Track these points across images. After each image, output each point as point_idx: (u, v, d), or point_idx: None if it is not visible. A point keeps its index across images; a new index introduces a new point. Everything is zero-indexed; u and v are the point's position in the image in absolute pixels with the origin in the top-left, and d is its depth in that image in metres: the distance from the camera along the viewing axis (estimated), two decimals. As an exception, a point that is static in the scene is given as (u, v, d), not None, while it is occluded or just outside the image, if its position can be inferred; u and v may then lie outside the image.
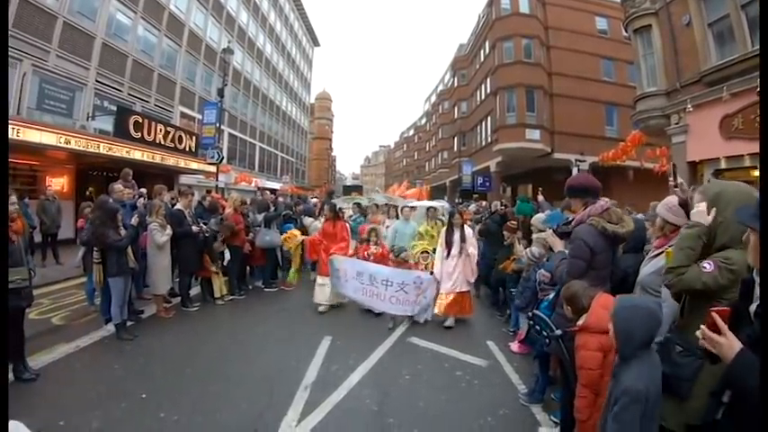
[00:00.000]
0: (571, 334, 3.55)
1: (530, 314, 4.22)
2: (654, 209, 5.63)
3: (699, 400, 2.58)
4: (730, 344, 2.03)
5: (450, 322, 8.29)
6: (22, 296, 5.30)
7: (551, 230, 4.82)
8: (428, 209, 11.84)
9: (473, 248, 8.40)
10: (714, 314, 2.10)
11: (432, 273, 8.40)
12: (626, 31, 18.82)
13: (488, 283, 9.88)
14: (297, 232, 10.63)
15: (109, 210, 7.06)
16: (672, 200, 3.94)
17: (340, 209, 11.59)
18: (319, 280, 9.35)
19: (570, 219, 4.42)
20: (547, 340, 3.88)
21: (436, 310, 8.31)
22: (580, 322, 3.36)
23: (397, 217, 12.06)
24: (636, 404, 2.46)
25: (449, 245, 8.36)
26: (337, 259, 8.85)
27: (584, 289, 3.51)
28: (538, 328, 3.96)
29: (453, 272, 8.30)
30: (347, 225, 10.39)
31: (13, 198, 5.33)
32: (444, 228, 8.92)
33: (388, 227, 11.53)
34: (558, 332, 3.74)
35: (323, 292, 9.20)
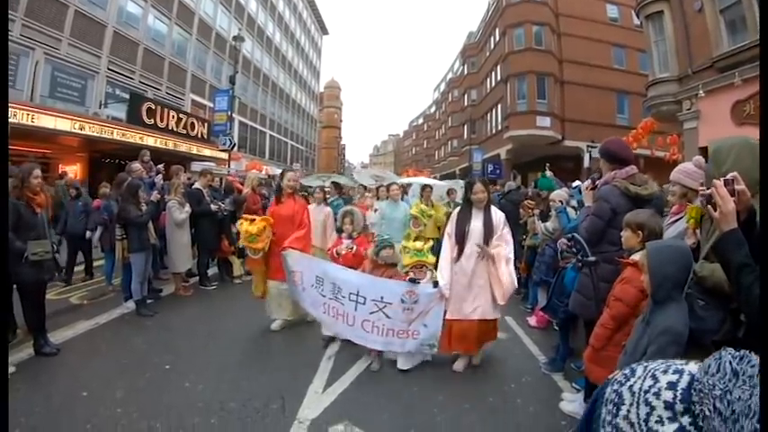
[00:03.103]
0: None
1: (569, 236, 4.31)
2: (666, 191, 5.67)
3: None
4: (732, 214, 2.09)
5: (459, 365, 5.30)
6: (44, 269, 5.41)
7: (589, 182, 4.93)
8: (423, 187, 9.87)
9: (508, 246, 5.13)
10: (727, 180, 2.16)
11: (436, 284, 5.10)
12: (638, 18, 18.75)
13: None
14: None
15: (131, 186, 7.23)
16: (687, 165, 3.99)
17: (308, 188, 10.79)
18: (272, 285, 6.66)
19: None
20: (580, 264, 3.97)
21: (435, 343, 5.20)
22: (635, 257, 3.28)
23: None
24: (673, 346, 2.36)
25: (460, 236, 5.12)
26: (291, 255, 5.87)
27: (652, 217, 3.51)
28: (574, 250, 4.04)
29: (470, 286, 5.11)
30: (308, 206, 7.26)
31: (38, 172, 5.46)
32: (456, 210, 5.54)
33: (375, 210, 9.15)
34: (593, 258, 3.83)
35: (278, 301, 6.64)
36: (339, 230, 6.72)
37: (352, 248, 6.23)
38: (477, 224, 5.12)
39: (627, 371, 1.04)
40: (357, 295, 5.19)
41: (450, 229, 5.30)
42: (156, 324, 6.75)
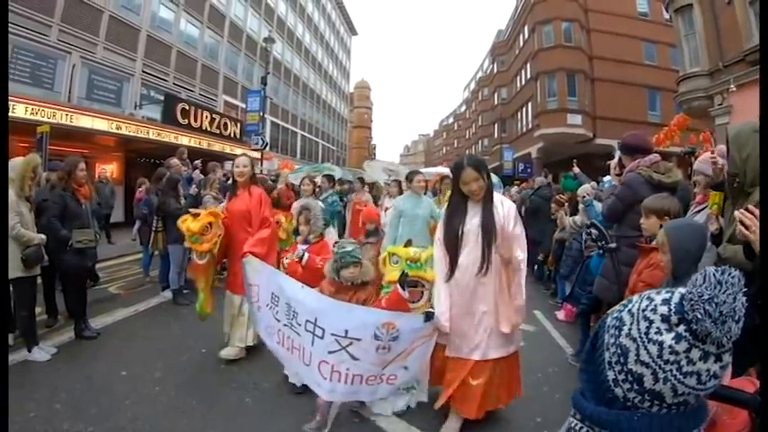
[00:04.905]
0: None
1: (588, 223, 4.43)
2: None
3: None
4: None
5: (452, 426, 3.75)
6: (87, 256, 5.80)
7: (616, 161, 5.02)
8: (441, 179, 8.79)
9: (523, 252, 3.63)
10: (751, 207, 2.25)
11: (429, 314, 3.58)
12: (667, 12, 18.56)
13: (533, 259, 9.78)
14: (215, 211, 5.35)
15: (171, 180, 7.56)
16: (709, 155, 4.05)
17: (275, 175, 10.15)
18: (235, 301, 5.34)
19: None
20: (601, 251, 4.06)
21: (415, 385, 4.15)
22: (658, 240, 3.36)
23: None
24: None
25: (452, 242, 3.68)
26: (251, 264, 4.51)
27: (671, 200, 3.54)
28: (594, 237, 4.14)
29: (470, 313, 3.66)
30: (269, 198, 5.83)
31: (83, 165, 5.81)
32: (446, 205, 4.07)
33: (387, 209, 7.94)
34: (613, 245, 3.92)
35: (239, 322, 5.31)
36: (295, 232, 5.24)
37: (301, 257, 4.57)
38: (475, 223, 3.62)
39: (624, 301, 1.18)
40: (315, 325, 3.60)
41: (440, 232, 3.82)
42: (191, 312, 6.89)
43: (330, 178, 10.18)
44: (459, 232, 3.63)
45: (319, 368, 3.59)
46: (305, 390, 4.07)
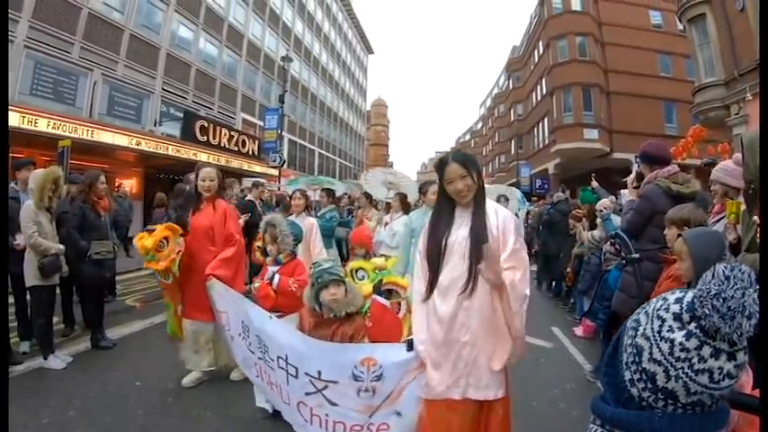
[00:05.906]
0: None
1: (613, 233, 4.42)
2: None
3: None
4: None
5: None
6: (105, 267, 5.89)
7: (633, 176, 5.02)
8: None
9: (524, 275, 2.59)
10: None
11: (410, 345, 2.81)
12: (680, 22, 18.44)
13: (551, 274, 9.66)
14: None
15: (189, 195, 7.64)
16: (727, 163, 4.02)
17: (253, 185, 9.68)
18: (186, 324, 4.85)
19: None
20: (624, 261, 4.04)
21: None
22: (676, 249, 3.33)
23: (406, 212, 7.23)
24: None
25: (434, 257, 2.77)
26: (214, 288, 4.19)
27: (695, 210, 3.49)
28: (618, 247, 4.13)
29: (447, 344, 2.66)
30: (236, 211, 5.80)
31: (103, 178, 5.96)
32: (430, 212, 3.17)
33: (386, 224, 7.45)
34: (636, 255, 3.90)
35: (193, 347, 4.88)
36: (265, 253, 4.35)
37: (272, 280, 3.99)
38: (461, 233, 2.74)
39: (644, 304, 1.21)
40: (286, 362, 3.09)
41: (422, 242, 2.96)
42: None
43: (330, 192, 9.31)
44: (443, 244, 2.77)
45: (299, 409, 3.11)
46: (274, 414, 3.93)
